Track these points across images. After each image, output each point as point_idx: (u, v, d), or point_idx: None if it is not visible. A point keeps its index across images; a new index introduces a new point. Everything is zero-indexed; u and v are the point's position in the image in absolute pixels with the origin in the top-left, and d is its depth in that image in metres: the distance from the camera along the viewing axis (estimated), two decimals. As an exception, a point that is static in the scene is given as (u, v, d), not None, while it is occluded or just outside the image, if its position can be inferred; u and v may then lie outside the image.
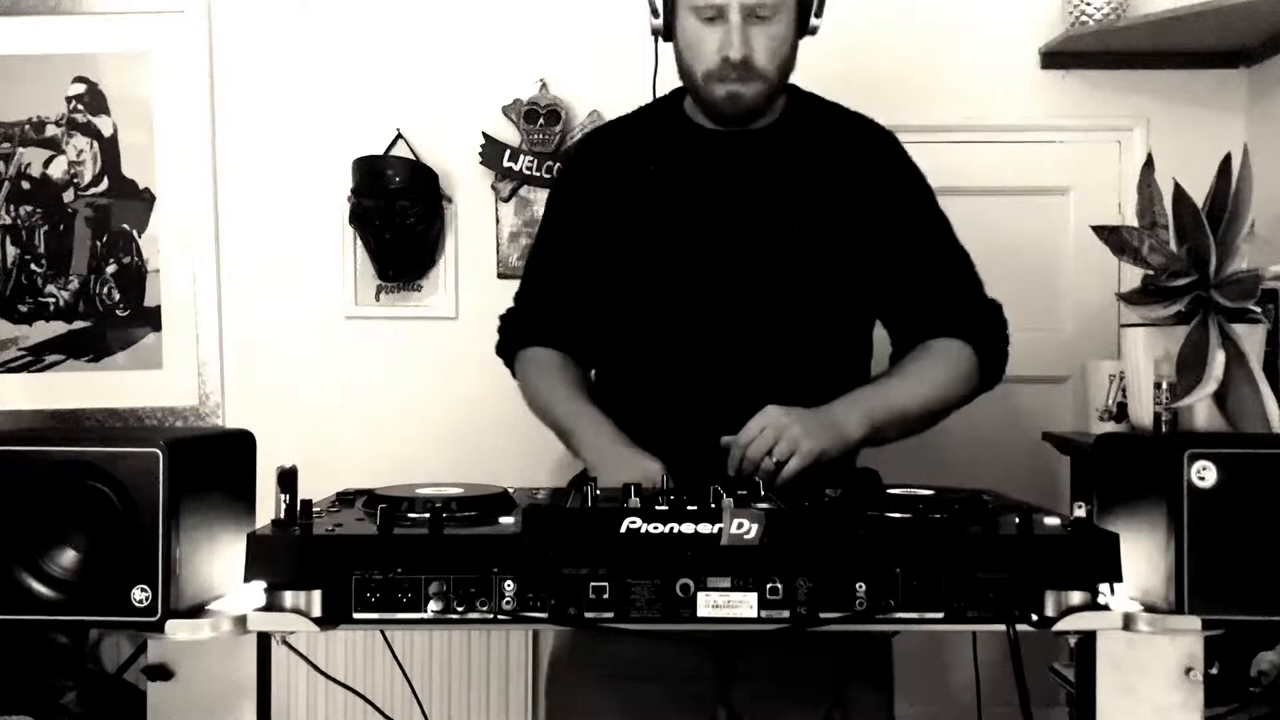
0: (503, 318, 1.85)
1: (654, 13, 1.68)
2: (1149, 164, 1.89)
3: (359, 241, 2.63)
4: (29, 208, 2.66)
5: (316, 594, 1.12)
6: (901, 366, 1.68)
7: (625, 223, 1.71)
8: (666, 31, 1.68)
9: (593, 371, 1.80)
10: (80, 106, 2.64)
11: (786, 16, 1.61)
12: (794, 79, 1.71)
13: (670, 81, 1.77)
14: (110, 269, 2.66)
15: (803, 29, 1.66)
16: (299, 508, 1.19)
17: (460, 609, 1.13)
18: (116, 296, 2.66)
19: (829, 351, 1.70)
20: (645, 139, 1.77)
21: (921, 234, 1.72)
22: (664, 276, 1.68)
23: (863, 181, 1.70)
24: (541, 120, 2.61)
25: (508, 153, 2.62)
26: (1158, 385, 1.84)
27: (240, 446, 1.31)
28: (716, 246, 1.67)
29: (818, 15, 1.67)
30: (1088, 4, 2.44)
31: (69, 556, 1.12)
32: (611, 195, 1.73)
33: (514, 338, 1.82)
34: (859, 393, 1.62)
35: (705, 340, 1.66)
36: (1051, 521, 1.21)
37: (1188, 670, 1.16)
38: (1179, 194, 1.78)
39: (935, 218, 1.74)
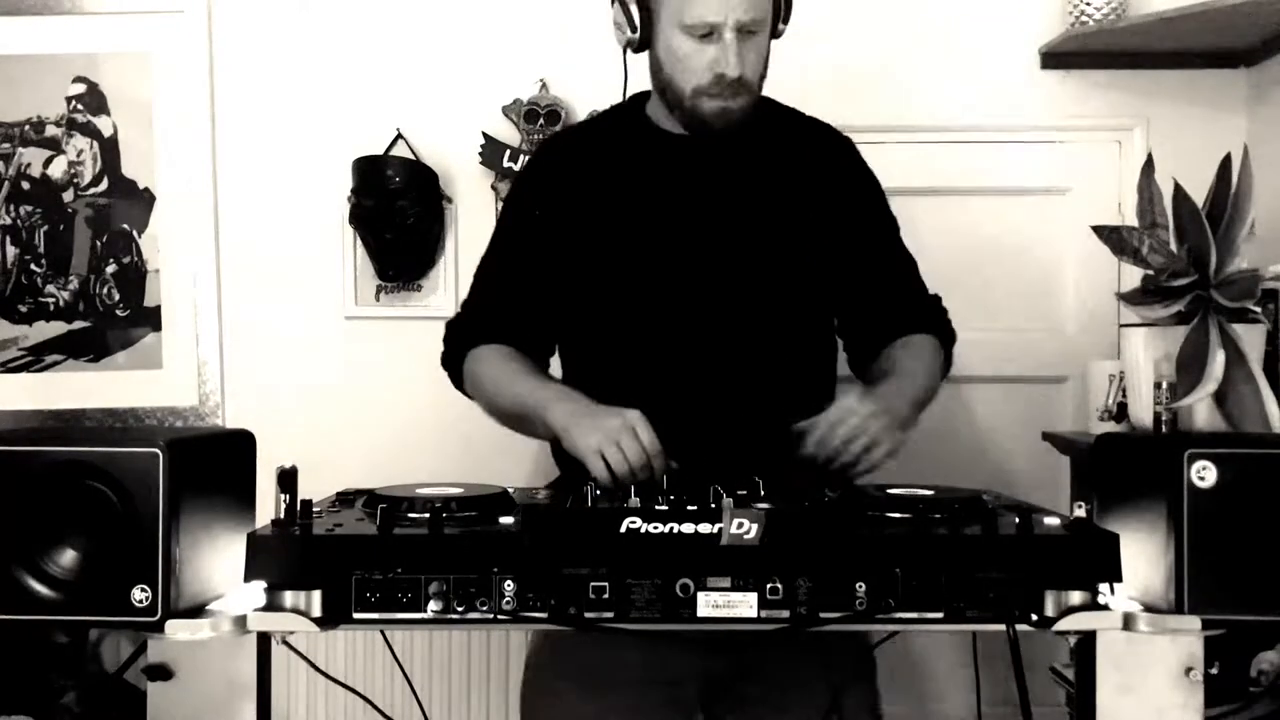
0: (450, 324, 1.79)
1: (631, 27, 1.68)
2: (1149, 164, 1.89)
3: (359, 241, 2.63)
4: (29, 208, 2.65)
5: (316, 594, 1.13)
6: (902, 361, 1.69)
7: (590, 228, 1.70)
8: (642, 44, 1.69)
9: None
10: (80, 106, 2.64)
11: (767, 29, 1.64)
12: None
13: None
14: (110, 269, 2.65)
15: (773, 35, 1.68)
16: (299, 508, 1.19)
17: (460, 609, 1.13)
18: (116, 296, 2.65)
19: (798, 352, 1.72)
20: (608, 144, 1.77)
21: (880, 237, 1.78)
22: (632, 281, 1.68)
23: (824, 186, 1.73)
24: (541, 120, 2.60)
25: (508, 153, 2.62)
26: (1158, 385, 1.84)
27: (240, 446, 1.31)
28: (684, 250, 1.68)
29: (784, 22, 1.69)
30: (1088, 4, 2.44)
31: (69, 556, 1.12)
32: (574, 200, 1.72)
33: (465, 339, 1.75)
34: (895, 384, 1.62)
35: (674, 344, 1.66)
36: (1051, 521, 1.21)
37: (1188, 670, 1.17)
38: (1179, 194, 1.78)
39: (890, 222, 1.80)
